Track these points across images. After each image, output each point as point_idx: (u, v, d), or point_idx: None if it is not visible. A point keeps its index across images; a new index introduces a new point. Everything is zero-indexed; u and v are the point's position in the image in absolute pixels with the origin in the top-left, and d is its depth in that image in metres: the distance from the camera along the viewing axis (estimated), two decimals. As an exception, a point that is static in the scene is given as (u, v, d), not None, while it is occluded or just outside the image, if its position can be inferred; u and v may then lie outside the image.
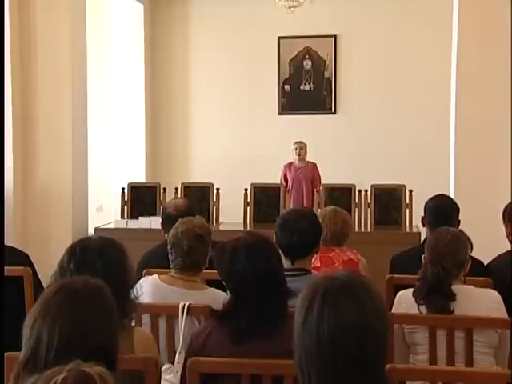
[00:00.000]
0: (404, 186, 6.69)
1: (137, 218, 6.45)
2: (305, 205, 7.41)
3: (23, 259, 3.61)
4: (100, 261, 2.25)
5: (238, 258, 2.40)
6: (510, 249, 3.59)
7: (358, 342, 1.45)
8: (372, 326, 1.47)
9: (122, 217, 6.86)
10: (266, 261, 2.39)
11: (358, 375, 1.46)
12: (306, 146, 7.70)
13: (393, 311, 2.88)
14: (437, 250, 2.81)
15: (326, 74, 8.84)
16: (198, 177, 8.27)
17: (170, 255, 3.10)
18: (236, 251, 2.42)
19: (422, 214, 3.86)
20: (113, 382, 1.29)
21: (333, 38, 8.77)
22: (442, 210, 3.71)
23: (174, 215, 3.92)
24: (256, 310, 2.33)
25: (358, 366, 1.45)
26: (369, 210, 6.68)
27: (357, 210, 6.68)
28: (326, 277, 1.57)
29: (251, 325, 2.32)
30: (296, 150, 7.66)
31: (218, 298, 2.77)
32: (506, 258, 3.55)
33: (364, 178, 7.31)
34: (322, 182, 7.35)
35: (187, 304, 2.82)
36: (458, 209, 3.76)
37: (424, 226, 3.84)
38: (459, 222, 3.73)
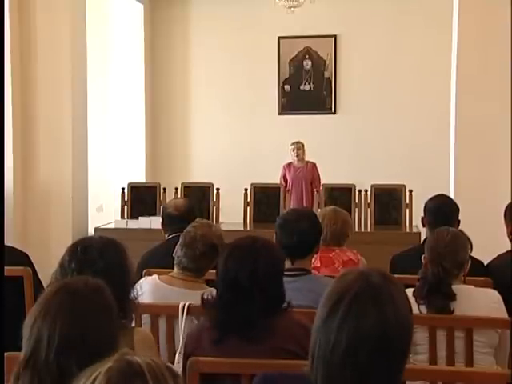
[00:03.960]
0: (404, 186, 6.70)
1: (137, 218, 6.45)
2: (305, 205, 7.41)
3: (23, 259, 3.61)
4: (101, 261, 2.25)
5: (223, 256, 2.43)
6: (510, 248, 3.60)
7: (374, 357, 1.43)
8: (392, 342, 1.45)
9: (122, 217, 6.86)
10: (240, 265, 2.36)
11: None
12: (303, 145, 7.69)
13: (393, 311, 2.87)
14: (437, 250, 2.81)
15: (326, 74, 8.84)
16: (198, 177, 8.27)
17: (178, 250, 3.07)
18: (224, 249, 2.47)
19: (422, 215, 3.86)
20: (168, 378, 1.19)
21: (333, 38, 8.76)
22: (442, 211, 3.71)
23: (175, 215, 3.93)
24: (227, 310, 2.33)
25: (368, 376, 1.44)
26: (369, 209, 6.68)
27: (357, 209, 6.68)
28: (358, 278, 1.50)
29: (224, 324, 2.33)
30: (294, 150, 7.65)
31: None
32: (506, 257, 3.55)
33: (364, 178, 7.32)
34: (322, 182, 7.34)
35: (187, 304, 2.82)
36: (458, 209, 3.76)
37: (424, 226, 3.84)
38: (459, 222, 3.73)
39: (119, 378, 1.16)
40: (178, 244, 3.10)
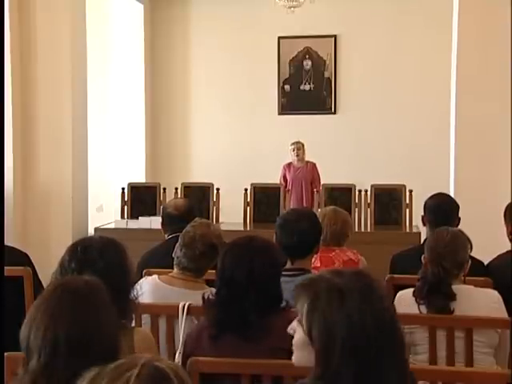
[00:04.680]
0: (404, 186, 6.69)
1: (137, 218, 6.45)
2: (305, 205, 7.41)
3: (23, 259, 3.61)
4: (101, 261, 2.25)
5: (221, 254, 2.45)
6: (510, 248, 3.60)
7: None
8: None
9: (122, 217, 6.85)
10: (236, 264, 2.38)
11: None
12: (303, 145, 7.70)
13: (393, 311, 2.87)
14: (437, 250, 2.81)
15: (326, 74, 8.84)
16: (198, 177, 8.27)
17: (177, 250, 3.07)
18: (226, 248, 2.47)
19: (422, 213, 3.86)
20: (188, 379, 1.22)
21: (333, 38, 8.76)
22: (442, 209, 3.72)
23: (175, 215, 3.93)
24: (224, 309, 2.35)
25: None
26: (369, 209, 6.68)
27: (357, 209, 6.67)
28: (333, 275, 1.61)
29: (221, 322, 2.34)
30: (294, 150, 7.66)
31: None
32: (506, 257, 3.55)
33: (364, 178, 7.31)
34: (322, 182, 7.34)
35: (187, 304, 2.82)
36: (458, 207, 3.77)
37: (424, 225, 3.84)
38: (459, 219, 3.73)
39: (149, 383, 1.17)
40: (178, 244, 3.10)
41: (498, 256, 3.66)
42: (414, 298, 2.79)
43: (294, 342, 1.63)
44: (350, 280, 1.58)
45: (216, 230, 3.20)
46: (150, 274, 3.21)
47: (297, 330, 1.61)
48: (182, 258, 3.05)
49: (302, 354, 1.60)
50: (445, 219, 3.45)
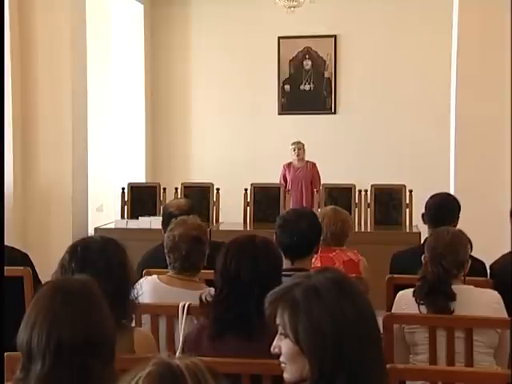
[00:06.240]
0: (404, 185, 6.69)
1: (137, 218, 6.45)
2: (305, 205, 7.40)
3: (23, 259, 3.61)
4: (101, 260, 2.25)
5: (223, 252, 2.44)
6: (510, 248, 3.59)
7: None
8: None
9: (122, 217, 6.85)
10: (240, 262, 2.38)
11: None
12: (303, 145, 7.70)
13: (393, 311, 2.88)
14: (437, 249, 2.81)
15: (326, 74, 8.84)
16: (198, 177, 8.27)
17: (167, 258, 3.09)
18: (228, 247, 2.47)
19: (423, 211, 3.85)
20: (210, 377, 1.19)
21: (333, 38, 8.76)
22: (442, 209, 3.73)
23: (176, 215, 3.92)
24: (226, 307, 2.35)
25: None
26: (369, 209, 6.68)
27: (357, 209, 6.67)
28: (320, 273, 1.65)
29: (222, 321, 2.34)
30: (294, 150, 7.67)
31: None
32: (508, 258, 3.55)
33: (364, 178, 7.31)
34: (322, 182, 7.35)
35: (187, 304, 2.82)
36: (459, 206, 3.78)
37: (425, 223, 3.84)
38: (458, 217, 3.74)
39: (160, 382, 1.15)
40: (165, 252, 3.11)
41: (501, 257, 3.65)
42: (414, 298, 2.79)
43: (282, 357, 1.59)
44: (322, 278, 1.58)
45: (193, 223, 3.18)
46: (149, 274, 3.22)
47: (283, 344, 1.58)
48: (173, 262, 3.07)
49: (295, 367, 1.56)
50: (443, 219, 3.47)
